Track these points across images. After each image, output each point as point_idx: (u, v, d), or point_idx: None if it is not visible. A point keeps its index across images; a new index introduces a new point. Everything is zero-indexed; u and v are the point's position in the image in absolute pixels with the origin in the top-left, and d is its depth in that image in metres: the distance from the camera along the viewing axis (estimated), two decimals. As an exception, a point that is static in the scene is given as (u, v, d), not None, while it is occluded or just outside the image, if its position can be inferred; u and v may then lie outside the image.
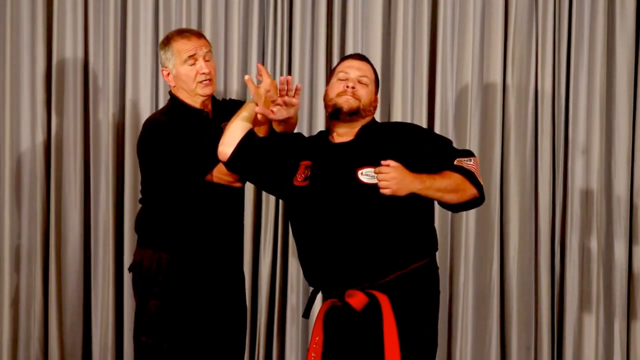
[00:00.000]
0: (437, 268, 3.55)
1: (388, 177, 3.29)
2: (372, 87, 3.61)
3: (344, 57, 3.73)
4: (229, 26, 4.94)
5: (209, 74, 3.70)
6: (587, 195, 4.95)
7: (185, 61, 3.69)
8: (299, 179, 3.55)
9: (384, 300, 3.37)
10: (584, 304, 4.97)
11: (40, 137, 4.95)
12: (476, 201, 3.48)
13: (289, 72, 4.92)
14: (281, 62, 4.92)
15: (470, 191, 3.43)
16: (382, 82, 4.91)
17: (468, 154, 3.51)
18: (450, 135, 4.91)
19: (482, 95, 4.95)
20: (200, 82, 3.69)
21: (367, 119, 3.59)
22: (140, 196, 3.87)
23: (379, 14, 4.91)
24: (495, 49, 4.91)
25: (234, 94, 4.92)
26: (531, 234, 4.96)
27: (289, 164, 3.58)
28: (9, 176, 4.94)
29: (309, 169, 3.53)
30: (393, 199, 3.31)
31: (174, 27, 4.86)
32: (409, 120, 4.87)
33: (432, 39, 4.93)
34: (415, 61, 4.92)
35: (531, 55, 4.93)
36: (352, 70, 3.59)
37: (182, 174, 3.59)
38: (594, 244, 4.94)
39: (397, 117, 4.89)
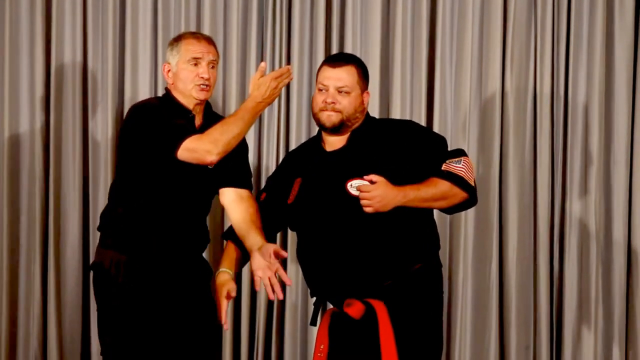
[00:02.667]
0: (439, 268, 3.53)
1: (369, 195, 3.27)
2: (355, 92, 3.47)
3: (323, 61, 3.59)
4: (228, 27, 4.93)
5: (207, 79, 3.67)
6: (585, 195, 4.94)
7: (188, 61, 3.67)
8: (292, 198, 3.55)
9: (380, 308, 3.36)
10: (582, 304, 4.97)
11: (38, 137, 4.94)
12: (467, 203, 3.45)
13: (288, 73, 4.91)
14: (280, 63, 4.91)
15: (460, 195, 3.40)
16: (380, 83, 4.92)
17: (458, 154, 3.45)
18: (449, 136, 4.90)
19: (481, 96, 4.94)
20: (197, 85, 3.66)
21: (357, 124, 3.51)
22: (109, 192, 3.84)
23: (378, 15, 4.90)
24: (494, 50, 4.91)
25: (232, 95, 4.92)
26: (530, 233, 4.96)
27: (284, 189, 3.58)
28: (7, 175, 4.94)
29: (300, 185, 3.54)
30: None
31: (172, 28, 4.87)
32: (408, 120, 4.89)
33: (431, 40, 4.92)
34: (414, 62, 4.91)
35: (530, 56, 4.93)
36: (330, 80, 3.45)
37: (155, 147, 3.55)
38: (592, 244, 4.93)
39: (396, 117, 4.87)
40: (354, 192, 3.36)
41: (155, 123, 3.56)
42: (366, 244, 3.38)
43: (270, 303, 4.97)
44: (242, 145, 3.77)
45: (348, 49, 4.85)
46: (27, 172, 4.96)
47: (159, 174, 3.62)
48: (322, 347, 3.51)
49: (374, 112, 4.88)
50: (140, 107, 3.68)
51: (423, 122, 4.87)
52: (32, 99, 4.94)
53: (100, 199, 4.95)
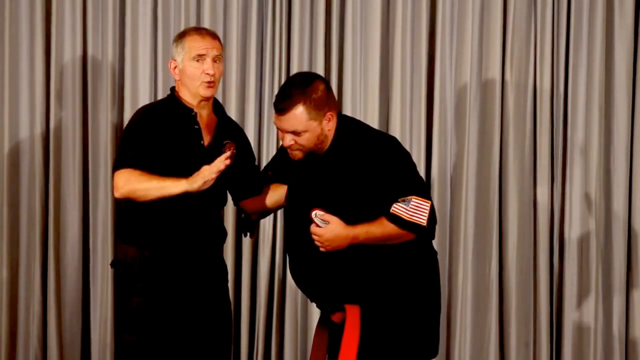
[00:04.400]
0: (429, 258, 3.55)
1: (321, 240, 3.36)
2: (310, 127, 3.39)
3: (274, 101, 3.48)
4: (228, 25, 4.93)
5: (213, 75, 3.69)
6: (585, 192, 4.95)
7: (193, 58, 3.69)
8: (284, 200, 3.65)
9: (352, 312, 3.42)
10: (582, 301, 4.97)
11: (39, 136, 4.94)
12: (421, 237, 3.45)
13: (287, 73, 4.92)
14: (279, 62, 4.92)
15: (408, 236, 3.41)
16: (380, 80, 4.93)
17: (410, 192, 3.40)
18: (449, 132, 4.92)
19: (480, 92, 4.95)
20: (204, 82, 3.69)
21: (327, 145, 3.47)
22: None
23: (378, 11, 4.90)
24: (494, 46, 4.92)
25: (232, 96, 4.92)
26: (530, 230, 4.97)
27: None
28: (7, 173, 4.94)
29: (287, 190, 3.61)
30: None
31: (172, 25, 4.87)
32: (407, 118, 4.89)
33: (430, 36, 4.93)
34: (414, 58, 4.92)
35: (530, 52, 4.94)
36: (281, 125, 3.41)
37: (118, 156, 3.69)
38: (592, 241, 4.94)
39: (396, 115, 4.89)
40: (317, 221, 3.41)
41: (128, 139, 3.67)
42: (337, 261, 3.44)
43: (270, 303, 4.97)
44: (251, 155, 3.89)
45: (348, 49, 4.87)
46: (27, 171, 4.96)
47: (169, 170, 3.65)
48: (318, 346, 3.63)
49: (374, 111, 4.91)
50: (136, 113, 3.76)
51: (423, 120, 4.90)
52: (32, 96, 4.94)
53: (100, 199, 4.95)
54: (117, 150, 3.73)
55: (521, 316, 4.97)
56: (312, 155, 3.49)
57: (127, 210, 3.78)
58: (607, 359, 5.00)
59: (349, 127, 3.50)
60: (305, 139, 3.40)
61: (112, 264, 3.83)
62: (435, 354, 3.54)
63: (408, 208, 3.37)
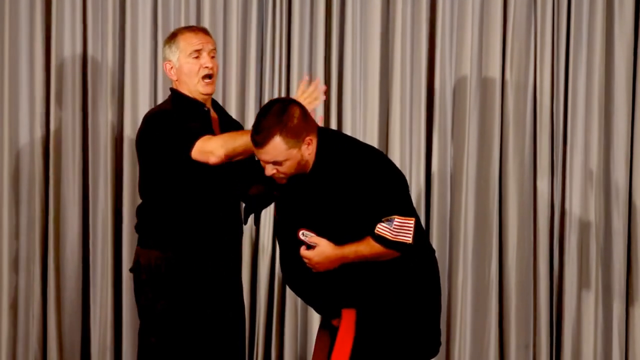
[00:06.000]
0: (427, 258, 3.55)
1: (312, 262, 3.40)
2: (290, 155, 3.34)
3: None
4: (228, 25, 4.94)
5: (211, 68, 3.70)
6: (585, 192, 4.95)
7: (190, 54, 3.71)
8: (275, 211, 3.64)
9: (347, 316, 3.45)
10: (582, 302, 4.97)
11: (38, 136, 4.94)
12: (405, 255, 3.47)
13: (287, 72, 4.93)
14: (279, 62, 4.92)
15: (393, 254, 3.42)
16: (380, 80, 4.94)
17: (392, 211, 3.39)
18: (448, 132, 4.92)
19: (480, 92, 4.95)
20: (202, 77, 3.69)
21: (309, 166, 3.44)
22: (139, 196, 3.86)
23: (378, 10, 4.91)
24: (493, 46, 4.92)
25: (232, 94, 4.93)
26: (530, 231, 4.97)
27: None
28: (7, 175, 4.94)
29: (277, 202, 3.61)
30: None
31: (172, 25, 4.87)
32: (407, 118, 4.90)
33: (430, 35, 4.94)
34: (414, 58, 4.92)
35: (530, 51, 4.95)
36: (262, 156, 3.37)
37: (171, 149, 3.59)
38: (592, 242, 4.94)
39: (396, 115, 4.89)
40: (304, 239, 3.43)
41: (170, 128, 3.61)
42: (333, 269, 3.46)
43: (270, 303, 4.97)
44: None
45: (348, 49, 4.87)
46: (26, 172, 4.96)
47: (188, 173, 3.65)
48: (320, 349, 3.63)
49: (374, 111, 4.91)
50: (154, 116, 3.73)
51: (423, 120, 4.91)
52: (31, 97, 4.94)
53: (100, 199, 4.95)
54: (167, 141, 3.60)
55: (521, 317, 4.97)
56: (297, 174, 3.49)
57: (148, 214, 3.76)
58: (606, 360, 5.02)
59: (330, 143, 3.46)
60: (287, 167, 3.38)
61: (132, 270, 3.80)
62: (435, 353, 3.54)
63: (392, 228, 3.38)
